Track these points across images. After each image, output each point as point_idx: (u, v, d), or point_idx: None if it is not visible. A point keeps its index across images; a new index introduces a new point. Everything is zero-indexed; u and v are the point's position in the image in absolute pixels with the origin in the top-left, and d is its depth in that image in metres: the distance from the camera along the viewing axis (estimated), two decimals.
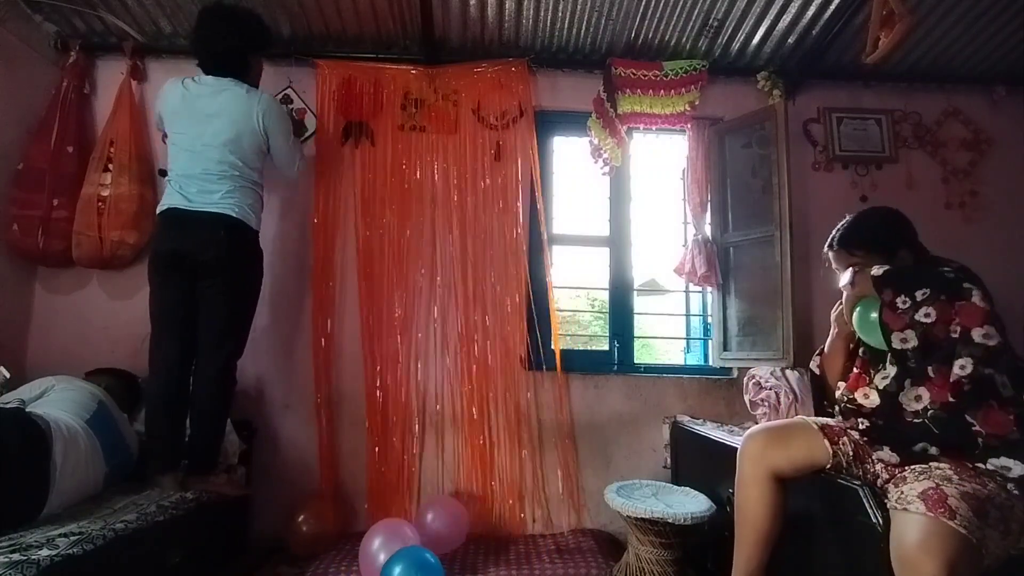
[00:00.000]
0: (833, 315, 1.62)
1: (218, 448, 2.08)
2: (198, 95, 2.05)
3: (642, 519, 1.96)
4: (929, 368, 1.30)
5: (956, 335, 1.26)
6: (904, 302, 1.30)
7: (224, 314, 2.00)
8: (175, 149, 2.05)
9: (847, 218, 1.57)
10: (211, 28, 2.06)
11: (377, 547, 1.92)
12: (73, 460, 1.64)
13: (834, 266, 1.56)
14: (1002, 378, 1.27)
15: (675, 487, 2.24)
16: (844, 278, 1.48)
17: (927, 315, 1.27)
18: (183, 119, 2.04)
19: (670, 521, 1.91)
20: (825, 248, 1.58)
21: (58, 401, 1.80)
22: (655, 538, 1.98)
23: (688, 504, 2.04)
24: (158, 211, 2.03)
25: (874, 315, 1.40)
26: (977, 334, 1.25)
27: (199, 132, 2.01)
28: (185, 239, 1.94)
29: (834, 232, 1.57)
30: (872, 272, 1.39)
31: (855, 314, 1.46)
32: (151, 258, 2.01)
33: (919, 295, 1.29)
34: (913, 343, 1.30)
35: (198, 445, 1.99)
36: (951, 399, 1.27)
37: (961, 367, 1.26)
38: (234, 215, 1.98)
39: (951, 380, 1.26)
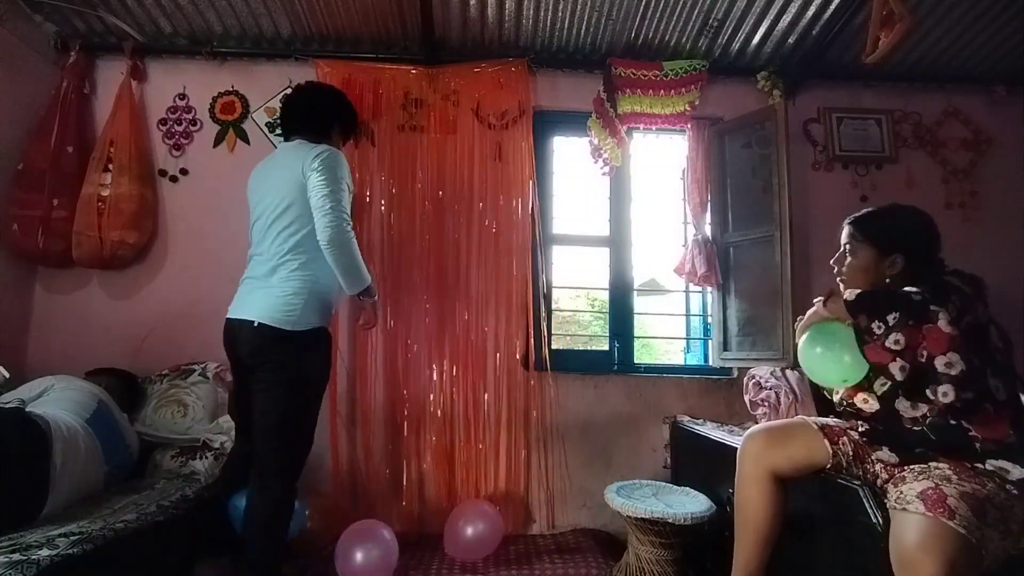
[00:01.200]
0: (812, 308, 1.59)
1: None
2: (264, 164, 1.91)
3: (642, 519, 1.96)
4: (927, 391, 1.30)
5: (923, 359, 1.26)
6: (879, 327, 1.28)
7: (271, 421, 1.70)
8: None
9: (887, 205, 1.57)
10: (294, 96, 1.94)
11: (351, 548, 1.99)
12: (73, 460, 1.64)
13: (843, 240, 1.56)
14: (995, 382, 1.27)
15: (675, 487, 2.24)
16: (818, 301, 1.46)
17: (896, 342, 1.25)
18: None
19: (670, 521, 1.91)
20: (845, 222, 1.58)
21: (58, 401, 1.80)
22: (655, 538, 1.98)
23: (688, 504, 2.04)
24: None
25: (818, 349, 1.40)
26: (940, 362, 1.24)
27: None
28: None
29: (861, 211, 1.56)
30: (845, 296, 1.38)
31: (801, 340, 1.45)
32: None
33: (891, 319, 1.27)
34: (905, 373, 1.28)
35: (251, 561, 1.70)
36: (950, 408, 1.28)
37: (944, 394, 1.26)
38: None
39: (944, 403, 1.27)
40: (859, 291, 1.38)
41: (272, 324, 1.68)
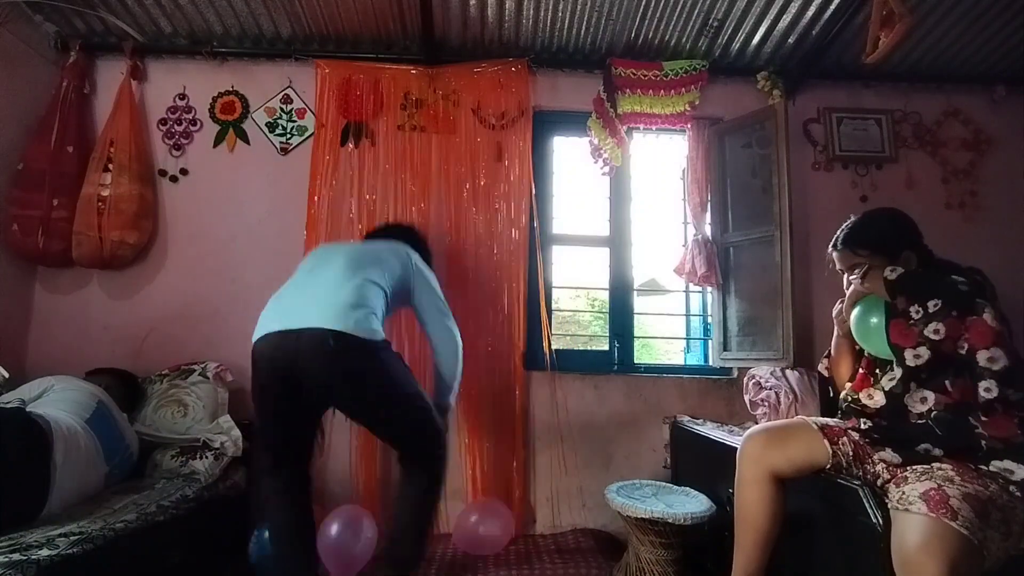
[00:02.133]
0: (833, 313, 1.62)
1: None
2: None
3: (642, 519, 1.95)
4: (946, 382, 1.29)
5: (964, 351, 1.25)
6: (917, 312, 1.28)
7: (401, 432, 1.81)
8: None
9: (851, 218, 1.56)
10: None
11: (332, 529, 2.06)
12: (74, 460, 1.64)
13: (838, 267, 1.56)
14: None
15: (675, 487, 2.24)
16: (854, 274, 1.46)
17: (936, 331, 1.26)
18: None
19: (670, 521, 1.90)
20: (829, 248, 1.58)
21: (58, 401, 1.80)
22: (655, 538, 1.97)
23: (688, 504, 2.04)
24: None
25: (874, 320, 1.39)
26: (983, 356, 1.24)
27: None
28: None
29: (839, 232, 1.56)
30: (885, 274, 1.37)
31: (854, 315, 1.45)
32: None
33: (931, 306, 1.27)
34: (926, 358, 1.29)
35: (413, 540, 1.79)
36: (958, 404, 1.27)
37: (986, 389, 1.25)
38: None
39: (977, 398, 1.26)
40: (900, 270, 1.36)
41: (357, 334, 1.60)
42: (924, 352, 1.29)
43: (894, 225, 1.52)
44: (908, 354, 1.30)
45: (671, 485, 2.27)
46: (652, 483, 2.27)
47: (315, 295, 1.70)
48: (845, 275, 1.54)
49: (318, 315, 1.61)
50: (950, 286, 1.29)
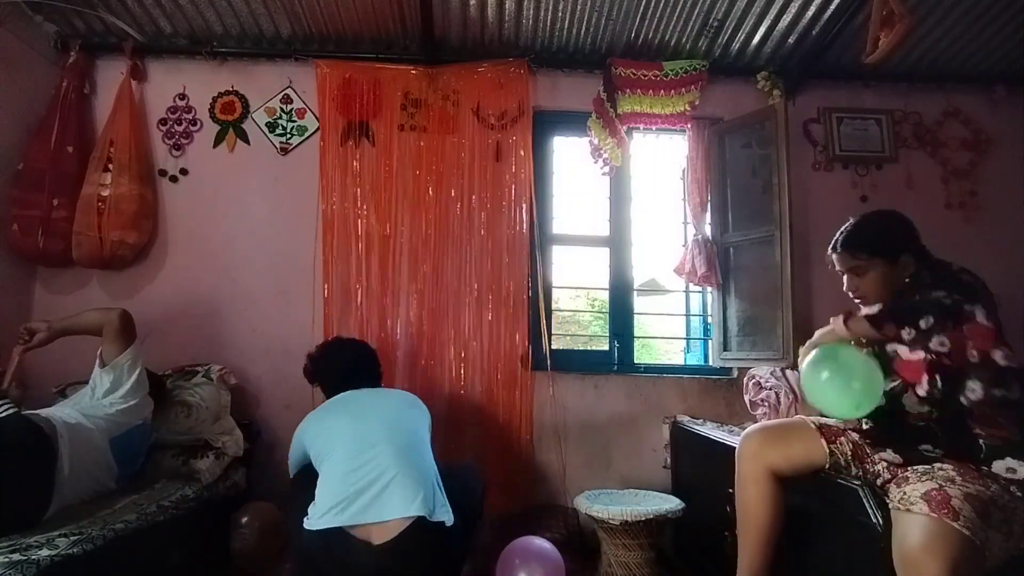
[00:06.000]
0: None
1: None
2: None
3: (604, 519, 2.04)
4: (960, 397, 1.29)
5: (975, 359, 1.25)
6: (909, 333, 1.27)
7: None
8: None
9: (850, 221, 1.56)
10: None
11: None
12: (79, 468, 1.63)
13: (837, 268, 1.55)
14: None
15: (652, 493, 2.33)
16: (836, 320, 1.43)
17: (941, 344, 1.25)
18: None
19: (630, 520, 1.98)
20: (828, 251, 1.57)
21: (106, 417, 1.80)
22: (624, 539, 2.05)
23: (655, 503, 2.13)
24: None
25: (825, 375, 1.36)
26: (998, 356, 1.24)
27: None
28: None
29: (837, 235, 1.55)
30: (864, 313, 1.37)
31: (806, 362, 1.41)
32: None
33: (923, 324, 1.26)
34: (934, 388, 1.28)
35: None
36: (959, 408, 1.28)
37: (972, 390, 1.25)
38: None
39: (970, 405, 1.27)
40: (879, 304, 1.36)
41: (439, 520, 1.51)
42: (937, 383, 1.28)
43: (892, 227, 1.52)
44: (921, 391, 1.29)
45: (651, 492, 2.34)
46: (629, 491, 2.36)
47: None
48: (845, 277, 1.53)
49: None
50: (934, 303, 1.28)
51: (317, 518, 1.49)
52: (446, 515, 1.53)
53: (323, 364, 2.01)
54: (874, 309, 1.36)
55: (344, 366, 1.98)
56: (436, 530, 1.49)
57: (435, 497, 1.54)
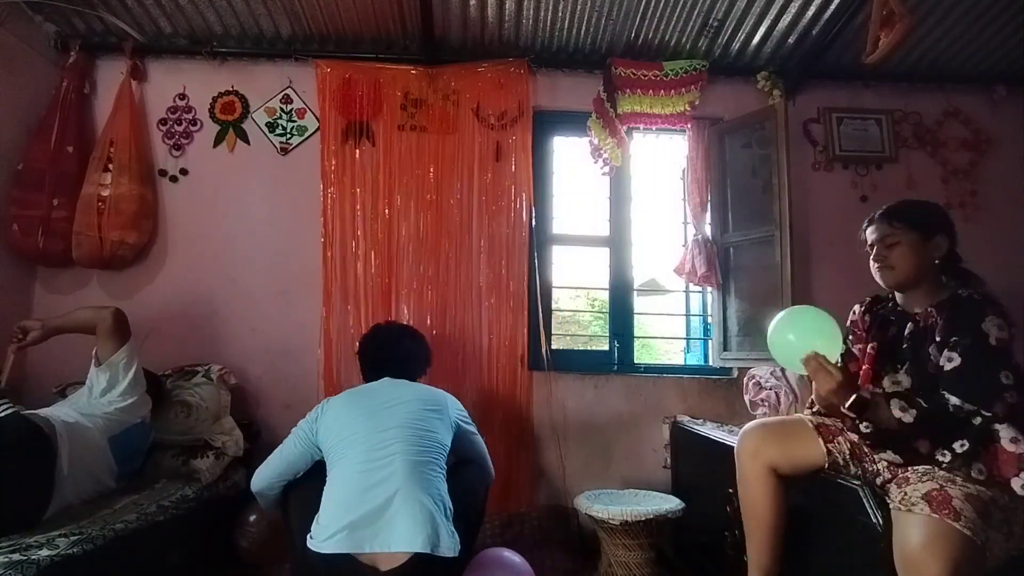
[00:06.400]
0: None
1: None
2: None
3: (605, 519, 2.03)
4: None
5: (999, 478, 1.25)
6: (944, 455, 1.27)
7: None
8: None
9: (902, 199, 1.56)
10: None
11: None
12: (79, 469, 1.63)
13: (868, 242, 1.51)
14: (1007, 381, 1.26)
15: (653, 493, 2.32)
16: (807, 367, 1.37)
17: (980, 471, 1.24)
18: None
19: (630, 520, 1.98)
20: (864, 223, 1.54)
21: (104, 415, 1.79)
22: (624, 539, 2.05)
23: (656, 503, 2.13)
24: None
25: (791, 337, 1.41)
26: (1016, 484, 1.22)
27: None
28: None
29: (890, 205, 1.53)
30: (897, 415, 1.28)
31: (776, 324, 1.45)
32: None
33: (958, 447, 1.25)
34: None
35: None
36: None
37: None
38: None
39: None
40: (916, 406, 1.28)
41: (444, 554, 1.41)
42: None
43: (934, 209, 1.52)
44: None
45: (651, 492, 2.34)
46: (629, 491, 2.35)
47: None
48: (875, 249, 1.50)
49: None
50: (964, 420, 1.25)
51: (322, 540, 1.39)
52: (452, 548, 1.43)
53: (361, 347, 2.04)
54: (910, 417, 1.28)
55: (375, 350, 1.96)
56: (442, 563, 1.42)
57: (439, 532, 1.44)
